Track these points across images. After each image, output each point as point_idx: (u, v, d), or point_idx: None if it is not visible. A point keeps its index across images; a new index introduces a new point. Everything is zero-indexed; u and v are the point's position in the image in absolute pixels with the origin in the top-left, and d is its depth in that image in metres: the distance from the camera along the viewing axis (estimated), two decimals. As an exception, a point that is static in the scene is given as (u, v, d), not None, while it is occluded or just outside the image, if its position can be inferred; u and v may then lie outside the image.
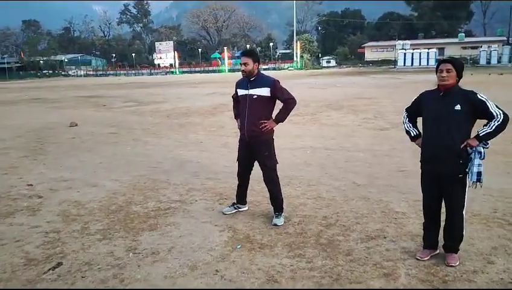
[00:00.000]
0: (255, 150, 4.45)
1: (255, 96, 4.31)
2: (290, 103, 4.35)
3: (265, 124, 4.33)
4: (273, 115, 4.48)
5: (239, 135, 4.64)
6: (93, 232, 4.45)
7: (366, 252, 3.78)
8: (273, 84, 4.31)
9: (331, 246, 3.93)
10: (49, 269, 3.66)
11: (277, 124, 4.42)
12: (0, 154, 8.71)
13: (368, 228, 4.32)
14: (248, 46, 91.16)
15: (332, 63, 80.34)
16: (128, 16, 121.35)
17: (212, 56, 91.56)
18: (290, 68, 75.50)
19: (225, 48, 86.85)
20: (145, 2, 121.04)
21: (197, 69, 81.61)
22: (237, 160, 4.69)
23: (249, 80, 4.36)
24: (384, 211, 4.77)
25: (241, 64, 4.34)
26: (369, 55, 79.50)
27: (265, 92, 4.29)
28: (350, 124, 11.29)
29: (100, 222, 4.74)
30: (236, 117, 4.69)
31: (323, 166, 6.95)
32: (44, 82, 56.22)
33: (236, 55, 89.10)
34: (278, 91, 4.31)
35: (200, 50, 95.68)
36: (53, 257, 3.90)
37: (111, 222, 4.72)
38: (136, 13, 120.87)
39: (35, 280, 3.49)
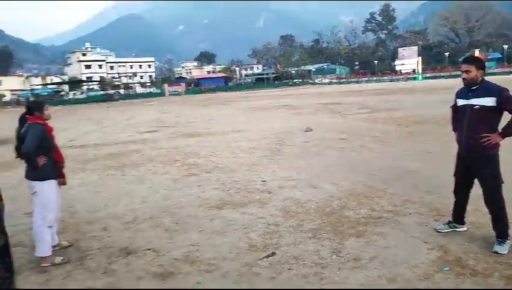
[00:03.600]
0: (474, 166, 4.00)
1: (477, 106, 3.88)
2: (521, 114, 3.75)
3: (489, 138, 3.85)
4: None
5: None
6: (305, 230, 4.84)
7: None
8: (499, 93, 3.79)
9: None
10: (264, 257, 4.19)
11: (503, 138, 3.87)
12: (247, 153, 10.25)
13: None
14: (506, 46, 79.80)
15: None
16: (373, 24, 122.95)
17: (460, 59, 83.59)
18: None
19: (476, 50, 78.00)
20: (391, 8, 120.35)
21: (442, 74, 75.92)
22: (454, 175, 4.32)
23: (470, 88, 3.96)
24: None
25: (461, 71, 3.98)
26: None
27: (489, 101, 3.82)
28: None
29: (313, 221, 5.11)
30: (455, 129, 4.32)
31: None
32: (293, 90, 62.39)
33: (489, 57, 79.03)
34: (506, 101, 3.77)
35: (447, 54, 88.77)
36: (269, 246, 4.44)
37: (323, 223, 5.02)
38: (381, 20, 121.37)
39: (251, 264, 4.06)
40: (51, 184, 4.36)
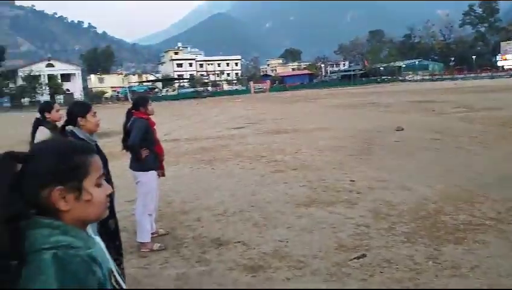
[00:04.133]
0: None
1: None
2: None
3: None
4: None
5: None
6: (398, 233, 4.66)
7: None
8: None
9: None
10: (354, 258, 4.11)
11: None
12: (334, 151, 10.10)
13: None
14: None
15: None
16: (472, 17, 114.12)
17: None
18: None
19: None
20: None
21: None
22: None
23: None
24: None
25: None
26: None
27: None
28: None
29: (406, 225, 4.90)
30: None
31: None
32: (382, 87, 60.06)
33: None
34: None
35: None
36: (359, 247, 4.34)
37: (417, 227, 4.80)
38: (481, 13, 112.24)
39: (341, 264, 4.00)
40: (153, 175, 4.68)
